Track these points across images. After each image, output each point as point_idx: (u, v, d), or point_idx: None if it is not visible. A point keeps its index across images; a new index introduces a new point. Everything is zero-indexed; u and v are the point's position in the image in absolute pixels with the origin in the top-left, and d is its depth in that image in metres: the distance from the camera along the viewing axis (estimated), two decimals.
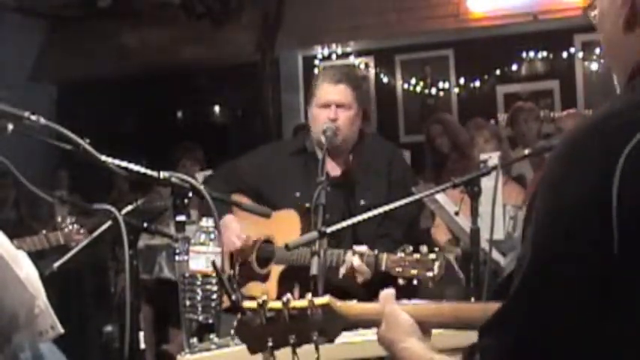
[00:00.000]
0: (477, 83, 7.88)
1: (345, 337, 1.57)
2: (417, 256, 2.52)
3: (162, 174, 1.99)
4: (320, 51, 8.04)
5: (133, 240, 2.02)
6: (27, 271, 1.86)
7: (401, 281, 2.53)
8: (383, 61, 8.22)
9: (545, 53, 7.67)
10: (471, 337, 1.57)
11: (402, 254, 2.54)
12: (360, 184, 3.02)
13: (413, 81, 8.09)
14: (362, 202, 2.95)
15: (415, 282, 2.52)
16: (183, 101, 8.85)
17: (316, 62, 8.06)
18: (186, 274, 2.02)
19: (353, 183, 3.02)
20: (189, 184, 2.01)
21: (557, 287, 1.09)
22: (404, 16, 7.12)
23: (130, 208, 2.21)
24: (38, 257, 3.55)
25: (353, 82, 3.08)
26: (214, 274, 1.92)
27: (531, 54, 7.72)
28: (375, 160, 3.08)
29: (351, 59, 8.18)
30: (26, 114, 1.70)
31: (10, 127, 1.68)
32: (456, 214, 3.36)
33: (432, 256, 2.50)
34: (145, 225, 2.14)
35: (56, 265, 2.44)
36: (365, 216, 2.50)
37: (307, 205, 2.72)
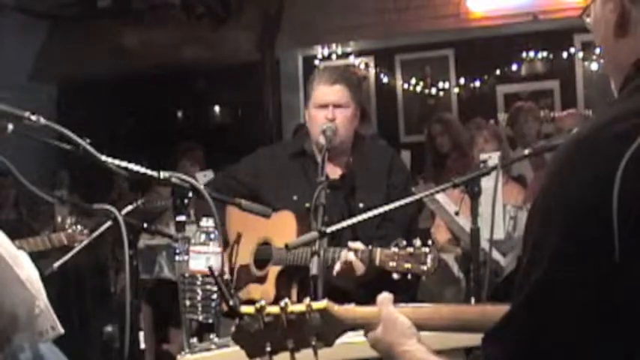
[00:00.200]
0: (477, 83, 7.88)
1: (346, 337, 1.56)
2: (410, 250, 2.52)
3: (163, 174, 1.99)
4: (320, 51, 8.04)
5: (133, 240, 2.02)
6: (27, 271, 1.86)
7: (395, 275, 2.54)
8: (383, 61, 8.22)
9: (545, 53, 7.68)
10: (469, 337, 1.58)
11: (396, 249, 2.54)
12: (359, 187, 3.02)
13: (413, 81, 8.09)
14: (361, 205, 2.95)
15: (409, 276, 2.52)
16: (183, 101, 8.85)
17: (316, 62, 8.06)
18: (186, 274, 2.03)
19: (352, 186, 3.02)
20: (189, 184, 2.01)
21: (560, 295, 1.09)
22: (404, 16, 7.12)
23: (130, 208, 2.22)
24: (39, 257, 3.55)
25: (349, 82, 3.09)
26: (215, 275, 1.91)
27: (531, 54, 7.73)
28: (374, 163, 3.08)
29: (351, 59, 8.18)
30: (26, 114, 1.70)
31: (10, 127, 1.68)
32: (456, 214, 3.37)
33: (425, 249, 2.50)
34: (145, 225, 2.15)
35: (56, 265, 2.44)
36: (365, 216, 2.50)
37: (307, 205, 2.72)
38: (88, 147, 1.78)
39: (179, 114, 9.09)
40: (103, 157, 1.83)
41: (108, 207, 2.00)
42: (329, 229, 2.41)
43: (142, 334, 2.03)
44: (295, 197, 3.01)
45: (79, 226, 4.15)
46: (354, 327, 1.55)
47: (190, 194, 2.01)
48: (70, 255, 2.54)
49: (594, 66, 7.42)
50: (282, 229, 2.91)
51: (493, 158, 3.35)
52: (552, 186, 1.14)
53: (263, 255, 3.03)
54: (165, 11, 7.37)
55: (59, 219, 4.21)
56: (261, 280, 3.00)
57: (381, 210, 2.53)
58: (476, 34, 7.52)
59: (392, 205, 2.56)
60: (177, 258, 2.06)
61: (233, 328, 1.54)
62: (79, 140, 1.77)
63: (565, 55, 7.54)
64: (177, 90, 8.43)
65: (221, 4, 7.37)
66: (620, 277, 1.06)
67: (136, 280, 2.02)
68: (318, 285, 2.48)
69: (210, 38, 7.60)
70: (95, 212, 2.23)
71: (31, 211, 5.50)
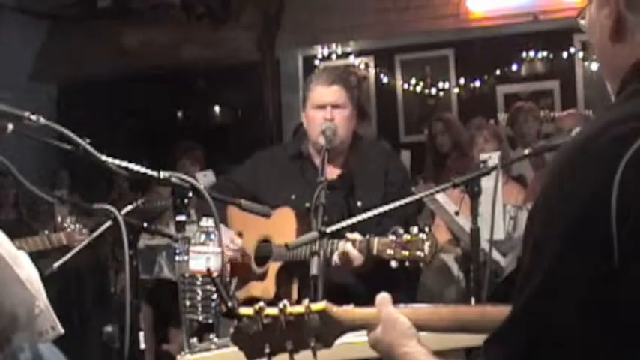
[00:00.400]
0: (477, 83, 7.88)
1: (345, 337, 1.56)
2: (407, 237, 2.52)
3: (163, 174, 1.99)
4: (320, 51, 8.05)
5: (133, 240, 2.02)
6: (27, 271, 1.86)
7: (393, 263, 2.54)
8: (383, 61, 8.23)
9: (545, 53, 7.68)
10: (469, 338, 1.58)
11: (393, 237, 2.54)
12: (357, 187, 3.03)
13: (413, 81, 8.09)
14: (359, 204, 2.96)
15: (408, 263, 2.52)
16: (183, 101, 8.85)
17: (316, 62, 8.06)
18: (186, 274, 2.03)
19: (350, 185, 3.03)
20: (189, 184, 2.01)
21: (560, 297, 1.09)
22: (404, 16, 7.12)
23: (130, 208, 2.22)
24: (39, 257, 3.55)
25: (346, 82, 3.13)
26: (214, 274, 1.92)
27: (531, 54, 7.73)
28: (372, 163, 3.09)
29: (351, 59, 8.18)
30: (26, 114, 1.70)
31: (10, 127, 1.69)
32: (456, 214, 3.37)
33: (423, 235, 2.51)
34: (145, 225, 2.15)
35: (56, 265, 2.44)
36: (365, 216, 2.51)
37: (307, 205, 2.73)
38: (88, 147, 1.78)
39: (179, 114, 9.09)
40: (103, 157, 1.83)
41: (108, 207, 2.00)
42: (329, 229, 2.42)
43: (142, 334, 2.03)
44: (293, 196, 3.02)
45: (77, 225, 4.14)
46: (353, 328, 1.54)
47: (190, 194, 2.01)
48: (70, 255, 2.54)
49: (594, 66, 7.42)
50: (282, 226, 2.91)
51: (493, 158, 3.35)
52: (552, 188, 1.14)
53: (263, 252, 3.04)
54: (165, 11, 7.37)
55: (59, 219, 4.21)
56: (262, 277, 3.01)
57: (380, 210, 2.53)
58: (476, 34, 7.52)
59: (391, 205, 2.56)
60: (177, 258, 2.06)
61: (232, 330, 1.54)
62: (79, 140, 1.77)
63: (565, 55, 7.55)
64: (177, 90, 8.43)
65: (221, 4, 7.37)
66: (620, 278, 1.06)
67: (136, 280, 2.02)
68: (318, 285, 2.48)
69: (210, 38, 7.60)
70: (95, 212, 2.23)
71: (31, 211, 5.50)
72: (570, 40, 7.38)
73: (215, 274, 1.89)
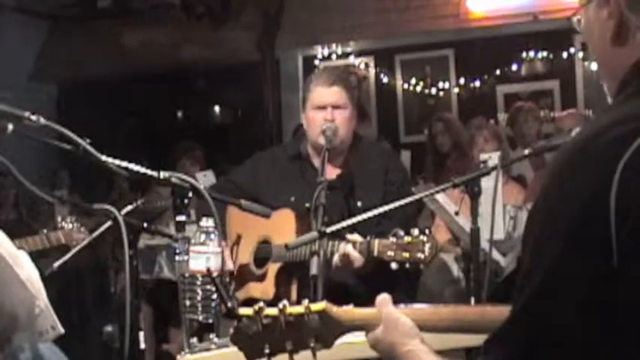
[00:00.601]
0: (477, 83, 7.89)
1: (346, 337, 1.56)
2: (407, 238, 2.52)
3: (163, 174, 1.99)
4: (320, 51, 8.05)
5: (133, 240, 2.02)
6: (27, 271, 1.86)
7: (394, 265, 2.54)
8: (383, 61, 8.23)
9: (545, 53, 7.68)
10: (469, 338, 1.58)
11: (394, 238, 2.54)
12: (357, 187, 3.03)
13: (413, 81, 8.09)
14: (359, 204, 2.96)
15: (408, 265, 2.52)
16: (183, 101, 8.85)
17: (316, 62, 8.06)
18: (186, 274, 2.03)
19: (349, 185, 3.03)
20: (189, 184, 2.01)
21: (560, 297, 1.10)
22: (404, 16, 7.12)
23: (130, 208, 2.22)
24: (39, 257, 3.55)
25: (346, 83, 3.13)
26: (214, 274, 1.92)
27: (531, 54, 7.73)
28: (371, 162, 3.09)
29: (351, 59, 8.18)
30: (26, 114, 1.70)
31: (10, 127, 1.69)
32: (456, 214, 3.37)
33: (423, 237, 2.51)
34: (145, 225, 2.15)
35: (56, 265, 2.44)
36: (365, 216, 2.51)
37: (307, 205, 2.73)
38: (88, 147, 1.78)
39: (179, 114, 9.09)
40: (103, 157, 1.83)
41: (108, 207, 2.00)
42: (329, 230, 2.42)
43: (142, 334, 2.03)
44: (293, 198, 3.02)
45: (76, 224, 4.14)
46: (352, 328, 1.54)
47: (190, 194, 2.01)
48: (70, 255, 2.54)
49: (594, 66, 7.39)
50: (281, 227, 2.91)
51: (493, 158, 3.35)
52: (552, 188, 1.14)
53: (263, 253, 3.04)
54: (165, 11, 7.37)
55: (59, 219, 4.21)
56: (261, 278, 3.00)
57: (380, 210, 2.53)
58: (476, 34, 7.52)
59: (391, 205, 2.56)
60: (177, 258, 2.06)
61: (231, 330, 1.53)
62: (79, 140, 1.77)
63: (565, 55, 7.55)
64: (177, 90, 8.43)
65: (221, 4, 7.37)
66: (620, 278, 1.06)
67: (136, 280, 2.02)
68: (318, 285, 2.48)
69: (210, 38, 7.60)
70: (95, 212, 2.23)
71: (31, 211, 5.49)
72: (570, 40, 7.38)
73: (215, 274, 1.89)
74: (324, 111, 3.00)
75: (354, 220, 2.51)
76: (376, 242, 2.61)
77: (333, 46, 8.01)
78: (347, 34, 7.60)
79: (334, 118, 2.99)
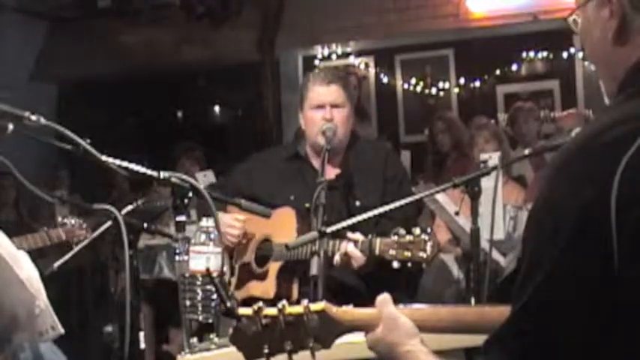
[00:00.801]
0: (477, 83, 7.89)
1: (346, 337, 1.56)
2: (409, 237, 2.52)
3: (162, 174, 1.99)
4: (320, 51, 8.05)
5: (133, 240, 2.02)
6: (27, 271, 1.86)
7: (395, 264, 2.54)
8: (383, 61, 8.22)
9: (545, 53, 7.68)
10: (469, 338, 1.58)
11: (395, 237, 2.54)
12: (356, 185, 3.03)
13: (413, 81, 8.09)
14: (358, 203, 2.96)
15: (410, 264, 2.52)
16: (183, 101, 8.85)
17: (316, 62, 8.06)
18: (186, 274, 2.03)
19: (348, 184, 3.03)
20: (189, 184, 2.01)
21: (561, 299, 1.09)
22: (404, 16, 7.12)
23: (130, 208, 2.21)
24: (39, 256, 3.55)
25: (344, 82, 3.12)
26: (214, 274, 1.92)
27: (531, 54, 7.73)
28: (370, 161, 3.09)
29: (351, 59, 8.18)
30: (26, 114, 1.70)
31: (10, 127, 1.69)
32: (456, 214, 3.37)
33: (425, 236, 2.51)
34: (145, 225, 2.14)
35: (56, 264, 2.44)
36: (365, 216, 2.51)
37: (307, 205, 2.73)
38: (88, 147, 1.78)
39: (179, 114, 9.09)
40: (103, 157, 1.83)
41: (108, 207, 2.00)
42: (329, 229, 2.42)
43: (142, 334, 2.03)
44: (292, 197, 3.02)
45: (78, 220, 4.13)
46: (352, 329, 1.54)
47: (190, 194, 2.01)
48: (70, 255, 2.54)
49: (594, 66, 7.41)
50: (282, 226, 2.91)
51: (493, 158, 3.35)
52: (552, 189, 1.14)
53: (264, 252, 3.04)
54: (166, 11, 7.37)
55: (59, 219, 4.20)
56: (262, 277, 3.00)
57: (380, 210, 2.53)
58: (476, 34, 7.51)
59: (391, 205, 2.56)
60: (177, 258, 2.06)
61: (231, 330, 1.53)
62: (79, 140, 1.77)
63: (565, 55, 7.55)
64: (177, 90, 8.43)
65: (221, 4, 7.37)
66: (620, 280, 1.06)
67: (136, 280, 2.02)
68: (318, 285, 2.48)
69: (210, 38, 7.60)
70: (95, 212, 2.23)
71: (31, 211, 5.50)
72: (570, 40, 7.37)
73: (215, 274, 1.89)
74: (322, 110, 3.00)
75: (355, 219, 2.51)
76: (378, 241, 2.61)
77: (333, 46, 8.01)
78: (347, 34, 7.60)
79: (333, 117, 2.98)
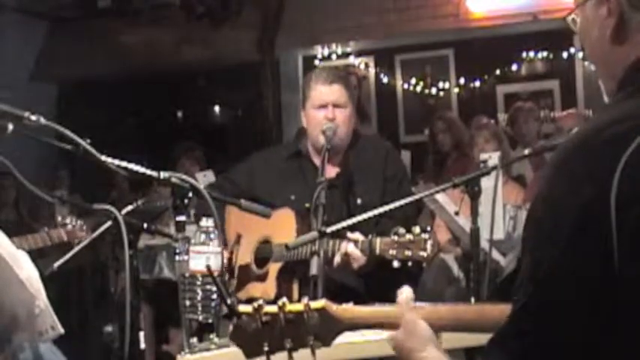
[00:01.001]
0: (477, 83, 7.89)
1: (346, 337, 1.56)
2: (409, 236, 2.52)
3: (162, 174, 1.99)
4: (320, 51, 8.05)
5: (133, 240, 2.02)
6: (27, 271, 1.86)
7: (396, 263, 2.53)
8: (383, 61, 8.23)
9: (545, 53, 7.68)
10: (469, 337, 1.58)
11: (395, 236, 2.54)
12: (356, 184, 3.03)
13: (413, 81, 8.09)
14: (359, 202, 2.96)
15: (410, 263, 2.52)
16: (183, 101, 8.85)
17: (316, 62, 8.06)
18: (186, 274, 2.03)
19: (349, 183, 3.03)
20: (189, 184, 2.01)
21: (561, 298, 1.09)
22: (404, 16, 7.12)
23: (130, 208, 2.21)
24: (39, 256, 3.55)
25: (346, 81, 3.12)
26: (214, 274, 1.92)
27: (531, 54, 7.73)
28: (370, 159, 3.09)
29: (351, 59, 8.18)
30: (26, 114, 1.70)
31: (10, 127, 1.69)
32: (456, 214, 3.37)
33: (425, 235, 2.50)
34: (145, 225, 2.14)
35: (56, 264, 2.44)
36: (365, 216, 2.51)
37: (307, 205, 2.72)
38: (88, 147, 1.78)
39: (179, 114, 9.09)
40: (103, 157, 1.83)
41: (108, 207, 2.00)
42: (329, 229, 2.41)
43: (142, 334, 2.03)
44: (293, 197, 3.02)
45: (79, 222, 4.13)
46: (352, 327, 1.54)
47: (190, 194, 2.01)
48: (70, 255, 2.53)
49: (593, 65, 7.41)
50: (281, 227, 2.91)
51: (493, 158, 3.35)
52: (551, 187, 1.14)
53: (263, 253, 3.03)
54: (166, 11, 7.37)
55: (59, 219, 4.20)
56: (262, 278, 3.00)
57: (380, 210, 2.53)
58: (476, 34, 7.52)
59: (391, 205, 2.56)
60: (177, 258, 2.06)
61: (231, 328, 1.53)
62: (79, 140, 1.77)
63: (565, 55, 7.55)
64: (177, 90, 8.43)
65: (221, 4, 7.37)
66: (620, 279, 1.06)
67: (136, 280, 2.02)
68: (318, 285, 2.48)
69: (210, 38, 7.60)
70: (95, 212, 2.23)
71: (31, 211, 5.49)
72: (570, 40, 7.37)
73: (215, 274, 1.89)
74: (325, 110, 3.00)
75: (355, 219, 2.51)
76: (378, 240, 2.60)
77: (333, 46, 8.01)
78: (347, 34, 7.60)
79: (335, 117, 2.99)
